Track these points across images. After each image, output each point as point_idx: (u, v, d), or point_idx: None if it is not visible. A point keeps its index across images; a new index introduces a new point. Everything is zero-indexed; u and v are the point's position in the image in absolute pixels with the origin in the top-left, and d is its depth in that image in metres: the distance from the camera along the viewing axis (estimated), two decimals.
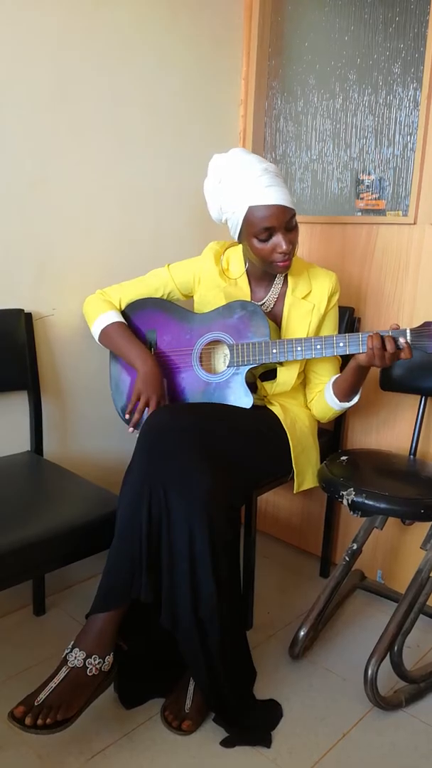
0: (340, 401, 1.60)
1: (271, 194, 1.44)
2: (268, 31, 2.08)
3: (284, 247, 1.47)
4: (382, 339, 1.40)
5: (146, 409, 1.56)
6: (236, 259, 1.66)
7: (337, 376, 1.61)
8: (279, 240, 1.47)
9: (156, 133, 1.89)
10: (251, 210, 1.46)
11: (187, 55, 1.92)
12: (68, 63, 1.64)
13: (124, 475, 1.38)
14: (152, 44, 1.82)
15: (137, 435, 1.42)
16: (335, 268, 1.94)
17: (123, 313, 1.69)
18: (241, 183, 1.46)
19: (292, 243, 1.50)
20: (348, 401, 1.60)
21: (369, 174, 1.90)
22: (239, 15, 2.04)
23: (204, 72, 1.98)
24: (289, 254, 1.50)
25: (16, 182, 1.61)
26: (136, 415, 1.56)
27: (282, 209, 1.45)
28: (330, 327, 1.66)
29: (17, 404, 1.70)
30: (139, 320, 1.68)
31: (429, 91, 1.67)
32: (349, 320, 1.86)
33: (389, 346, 1.40)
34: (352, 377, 1.53)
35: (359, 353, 1.45)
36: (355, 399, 1.60)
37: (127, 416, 1.60)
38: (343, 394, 1.58)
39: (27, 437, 1.72)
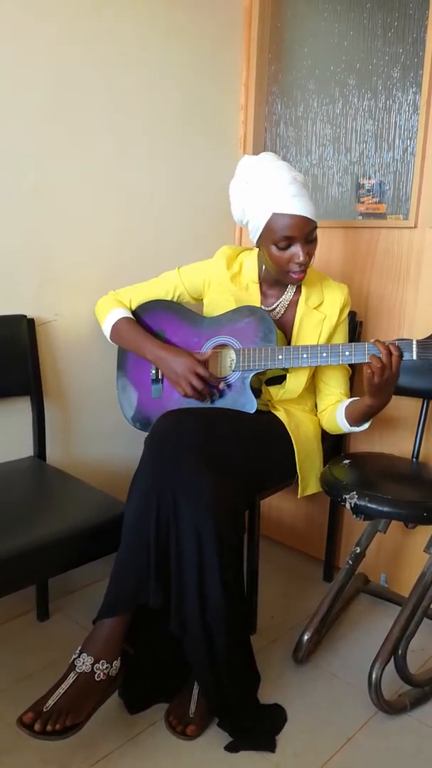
0: (350, 425, 1.60)
1: (297, 204, 1.44)
2: (267, 36, 2.09)
3: (301, 258, 1.48)
4: (381, 353, 1.39)
5: (201, 386, 1.53)
6: (250, 264, 1.66)
7: (351, 400, 1.60)
8: (297, 250, 1.48)
9: (157, 139, 1.90)
10: (274, 217, 1.46)
11: (187, 61, 1.93)
12: (69, 69, 1.65)
13: (131, 480, 1.38)
14: (152, 50, 1.83)
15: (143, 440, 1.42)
16: (337, 272, 1.94)
17: (133, 313, 1.70)
18: (268, 188, 1.46)
19: (310, 255, 1.50)
20: (358, 426, 1.60)
21: (369, 178, 1.91)
22: (239, 21, 2.05)
23: (204, 78, 1.99)
24: (305, 266, 1.50)
25: (18, 188, 1.61)
26: (202, 397, 1.55)
27: (305, 221, 1.45)
28: (340, 340, 1.66)
29: (20, 409, 1.71)
30: (148, 321, 1.69)
31: (428, 95, 1.68)
32: (351, 324, 1.86)
33: (385, 359, 1.38)
34: (365, 411, 1.52)
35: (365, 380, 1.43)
36: (366, 426, 1.59)
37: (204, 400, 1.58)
38: (355, 420, 1.58)
39: (30, 442, 1.73)
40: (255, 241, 1.54)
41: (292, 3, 2.03)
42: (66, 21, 1.62)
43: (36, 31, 1.57)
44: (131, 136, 1.83)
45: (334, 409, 1.64)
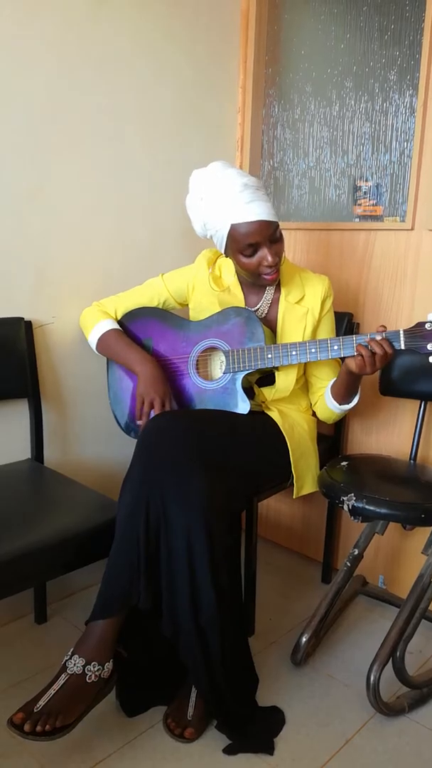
0: (340, 404, 1.61)
1: (253, 210, 1.44)
2: (264, 40, 2.09)
3: (270, 259, 1.48)
4: (370, 346, 1.42)
5: (152, 411, 1.55)
6: (227, 268, 1.66)
7: (334, 380, 1.62)
8: (264, 254, 1.48)
9: (154, 142, 1.90)
10: (234, 227, 1.46)
11: (184, 65, 1.93)
12: (66, 73, 1.66)
13: (122, 482, 1.38)
14: (149, 54, 1.83)
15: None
16: (333, 274, 1.95)
17: (119, 322, 1.70)
18: (221, 200, 1.46)
19: (278, 255, 1.51)
20: (348, 403, 1.61)
21: (366, 180, 1.91)
22: (236, 24, 2.05)
23: (202, 81, 1.99)
24: (276, 266, 1.51)
25: (15, 192, 1.61)
26: (143, 419, 1.55)
27: (265, 224, 1.45)
28: (326, 331, 1.66)
29: (18, 412, 1.71)
30: (135, 329, 1.69)
31: (425, 98, 1.68)
32: (347, 326, 1.87)
33: (378, 350, 1.41)
34: (346, 381, 1.54)
35: (350, 359, 1.46)
36: (355, 400, 1.61)
37: (138, 422, 1.59)
38: (341, 397, 1.59)
39: (27, 445, 1.73)
40: (223, 252, 1.55)
41: (289, 6, 2.03)
42: (62, 27, 1.62)
43: (34, 37, 1.58)
44: (129, 139, 1.83)
45: (323, 396, 1.66)
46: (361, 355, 1.42)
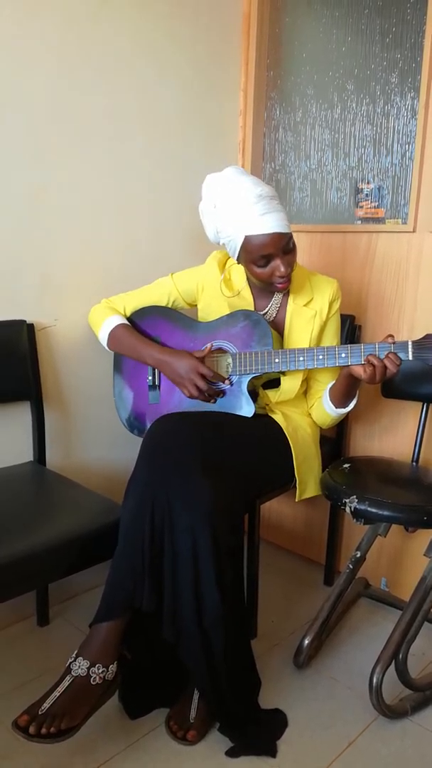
0: (337, 407, 1.61)
1: (267, 222, 1.43)
2: (266, 42, 2.10)
3: (282, 270, 1.48)
4: (382, 360, 1.41)
5: (205, 387, 1.53)
6: (237, 272, 1.67)
7: (332, 383, 1.62)
8: (277, 264, 1.48)
9: (156, 144, 1.90)
10: (248, 239, 1.46)
11: (186, 67, 1.94)
12: (67, 74, 1.66)
13: (127, 484, 1.38)
14: (150, 54, 1.84)
15: (140, 443, 1.42)
16: (335, 276, 1.94)
17: (128, 320, 1.70)
18: (236, 211, 1.45)
19: (291, 265, 1.51)
20: (344, 407, 1.61)
21: (368, 183, 1.91)
22: (237, 24, 2.06)
23: (203, 83, 2.00)
24: (288, 276, 1.51)
25: (17, 194, 1.62)
26: (207, 398, 1.55)
27: (278, 236, 1.45)
28: (331, 333, 1.66)
29: (20, 414, 1.71)
30: (144, 327, 1.69)
31: (426, 100, 1.69)
32: (350, 328, 1.87)
33: (390, 366, 1.40)
34: (344, 386, 1.54)
35: (356, 366, 1.45)
36: (352, 405, 1.61)
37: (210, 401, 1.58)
38: (339, 400, 1.59)
39: (30, 447, 1.73)
40: (235, 260, 1.55)
41: (290, 9, 2.04)
42: (64, 24, 1.63)
43: (36, 38, 1.58)
44: (131, 142, 1.84)
45: (320, 398, 1.65)
46: (373, 366, 1.41)
